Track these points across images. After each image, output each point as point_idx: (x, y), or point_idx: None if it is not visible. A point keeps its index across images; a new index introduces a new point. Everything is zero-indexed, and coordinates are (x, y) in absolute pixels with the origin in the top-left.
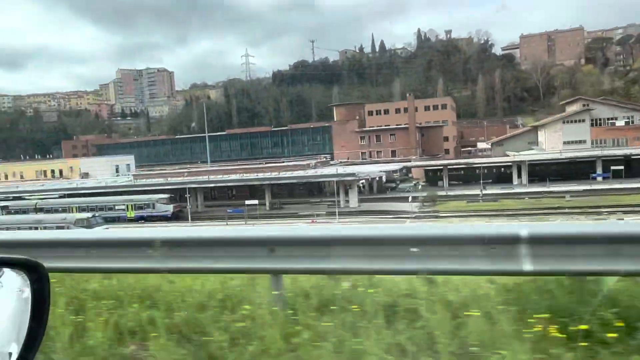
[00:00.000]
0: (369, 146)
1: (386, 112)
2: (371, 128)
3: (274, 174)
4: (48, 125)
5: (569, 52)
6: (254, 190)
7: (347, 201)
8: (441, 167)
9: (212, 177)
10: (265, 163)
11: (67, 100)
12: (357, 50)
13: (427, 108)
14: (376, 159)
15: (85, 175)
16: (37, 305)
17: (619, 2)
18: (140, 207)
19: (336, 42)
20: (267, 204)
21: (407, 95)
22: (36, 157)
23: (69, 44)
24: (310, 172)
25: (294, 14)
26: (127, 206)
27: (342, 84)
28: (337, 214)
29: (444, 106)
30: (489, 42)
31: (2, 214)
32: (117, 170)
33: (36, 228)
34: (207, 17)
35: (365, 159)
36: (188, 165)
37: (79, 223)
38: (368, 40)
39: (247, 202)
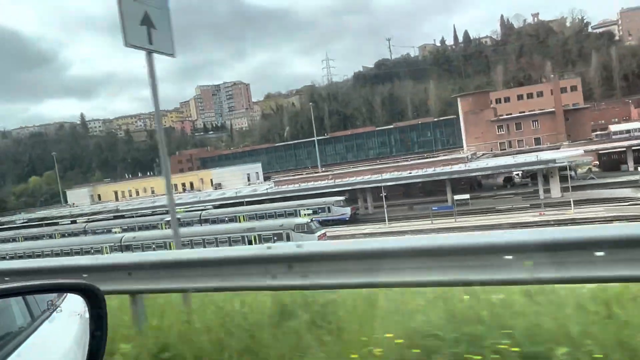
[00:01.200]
0: (508, 135)
1: (510, 99)
2: (510, 115)
3: (433, 170)
4: (140, 144)
5: None
6: (409, 189)
7: (548, 191)
8: (622, 150)
9: (383, 176)
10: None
11: (152, 120)
12: (439, 44)
13: (529, 95)
14: (521, 149)
15: (219, 186)
16: (96, 327)
17: None
18: (315, 212)
19: (396, 40)
20: (450, 199)
21: (552, 76)
22: (138, 174)
23: (134, 69)
24: (473, 165)
25: (348, 17)
26: (299, 211)
27: (430, 78)
28: (542, 205)
29: (573, 88)
30: (585, 21)
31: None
32: (248, 179)
33: (249, 240)
34: (261, 30)
35: (505, 149)
36: (306, 170)
37: (299, 229)
38: (435, 34)
39: (456, 197)
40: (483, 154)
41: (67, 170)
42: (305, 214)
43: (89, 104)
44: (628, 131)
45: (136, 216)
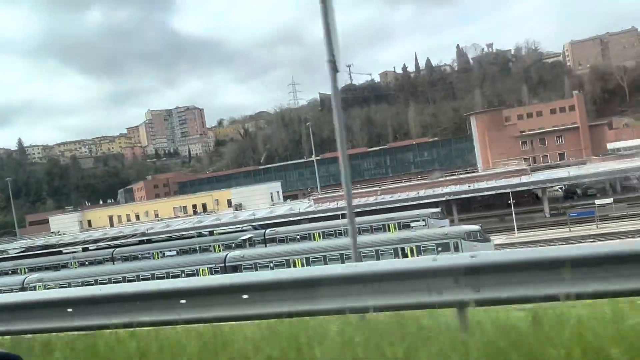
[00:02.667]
0: (532, 151)
1: (524, 116)
2: (534, 131)
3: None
4: (93, 170)
5: (624, 54)
6: (472, 202)
7: None
8: None
9: (468, 186)
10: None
11: (98, 145)
12: (401, 70)
13: (553, 111)
14: (547, 163)
15: (239, 207)
16: None
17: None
18: (407, 225)
19: (321, 74)
20: (546, 210)
21: (575, 93)
22: (100, 202)
23: (57, 96)
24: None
25: (281, 49)
26: (388, 225)
27: (401, 102)
28: None
29: (571, 108)
30: (538, 50)
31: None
32: (271, 198)
33: (404, 252)
34: (194, 59)
35: (529, 164)
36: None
37: (471, 237)
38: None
39: (598, 202)
40: (529, 167)
41: (10, 199)
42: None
43: (7, 132)
44: (630, 148)
45: (195, 236)
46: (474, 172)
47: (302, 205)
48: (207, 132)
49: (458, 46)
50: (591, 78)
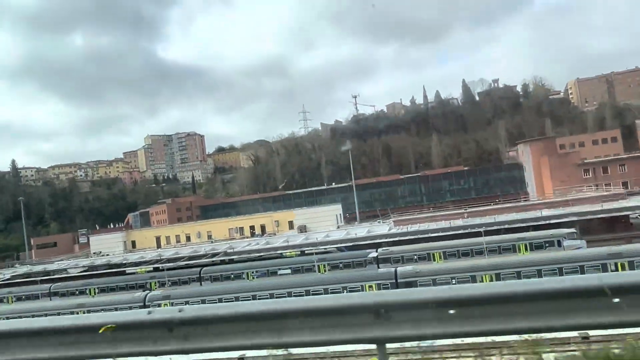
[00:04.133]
0: (594, 179)
1: (575, 145)
2: (597, 159)
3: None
4: (101, 194)
5: (629, 92)
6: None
7: None
8: None
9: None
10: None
11: (94, 169)
12: (409, 103)
13: (595, 142)
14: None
15: (303, 229)
16: None
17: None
18: (541, 246)
19: (312, 104)
20: None
21: (637, 122)
22: (110, 225)
23: (34, 120)
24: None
25: (265, 80)
26: (518, 246)
27: (415, 133)
28: None
29: (613, 139)
30: (545, 86)
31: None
32: (337, 220)
33: None
34: (177, 87)
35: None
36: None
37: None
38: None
39: None
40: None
41: (9, 222)
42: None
43: None
44: None
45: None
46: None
47: (380, 228)
48: (207, 159)
49: (464, 80)
50: (609, 114)
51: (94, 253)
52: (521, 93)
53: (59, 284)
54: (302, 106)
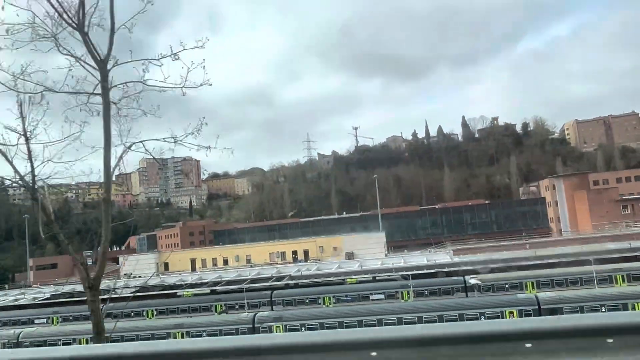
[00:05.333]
0: (633, 215)
1: (609, 181)
2: (635, 196)
3: None
4: (96, 215)
5: (626, 135)
6: None
7: None
8: None
9: None
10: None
11: (86, 191)
12: (411, 136)
13: (618, 180)
14: None
15: (351, 255)
16: None
17: None
18: (637, 277)
19: (291, 136)
20: None
21: None
22: (113, 247)
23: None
24: None
25: (250, 109)
26: (615, 277)
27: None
28: None
29: (637, 178)
30: (545, 127)
31: None
32: (386, 248)
33: None
34: (159, 113)
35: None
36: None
37: None
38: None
39: None
40: None
41: (0, 242)
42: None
43: None
44: None
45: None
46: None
47: (438, 257)
48: (202, 184)
49: (463, 117)
50: (617, 154)
51: (125, 274)
52: (521, 132)
53: (110, 304)
54: (305, 135)
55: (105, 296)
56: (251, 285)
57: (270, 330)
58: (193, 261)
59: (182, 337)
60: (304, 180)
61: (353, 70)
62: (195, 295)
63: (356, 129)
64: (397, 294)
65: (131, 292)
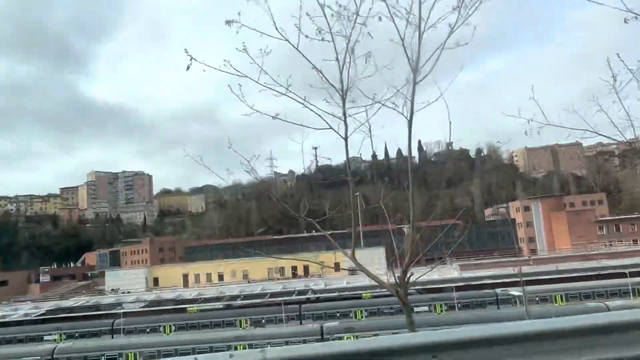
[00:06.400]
0: (608, 236)
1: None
2: (611, 217)
3: None
4: (49, 231)
5: (571, 163)
6: None
7: None
8: None
9: None
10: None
11: (29, 204)
12: (371, 158)
13: (584, 203)
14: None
15: (354, 271)
16: None
17: None
18: None
19: (235, 155)
20: None
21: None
22: (69, 264)
23: None
24: None
25: (193, 126)
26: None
27: (378, 187)
28: None
29: (600, 202)
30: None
31: None
32: (388, 264)
33: None
34: (96, 126)
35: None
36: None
37: None
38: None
39: None
40: None
41: None
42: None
43: None
44: None
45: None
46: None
47: (447, 272)
48: (153, 200)
49: (420, 141)
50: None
51: (112, 290)
52: (474, 157)
53: (121, 319)
54: (264, 153)
55: (117, 310)
56: (288, 298)
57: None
58: (185, 276)
59: (245, 349)
60: (268, 198)
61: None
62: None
63: (316, 148)
64: (431, 307)
65: (141, 307)
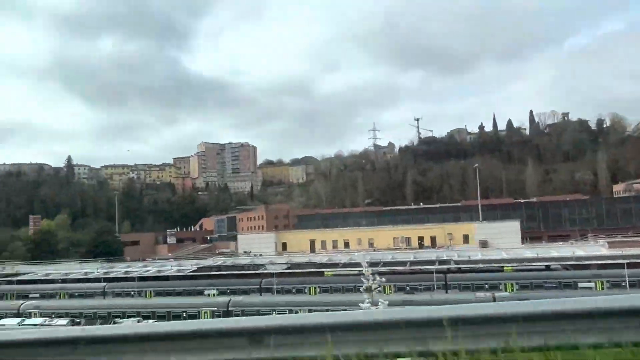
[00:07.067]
0: None
1: None
2: None
3: None
4: (166, 196)
5: None
6: None
7: None
8: None
9: None
10: None
11: (147, 173)
12: (477, 129)
13: None
14: None
15: (485, 244)
16: None
17: None
18: None
19: (326, 128)
20: None
21: None
22: (184, 229)
23: (53, 121)
24: None
25: (287, 98)
26: None
27: (491, 159)
28: None
29: None
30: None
31: None
32: (523, 238)
33: None
34: (196, 99)
35: None
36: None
37: None
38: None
39: None
40: None
41: (76, 218)
42: None
43: None
44: None
45: None
46: None
47: (592, 249)
48: (257, 171)
49: (531, 112)
50: None
51: (245, 252)
52: (595, 129)
53: (274, 279)
54: (371, 124)
55: (261, 271)
56: (430, 267)
57: None
58: (312, 242)
59: None
60: (373, 169)
61: (393, 61)
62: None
63: (418, 120)
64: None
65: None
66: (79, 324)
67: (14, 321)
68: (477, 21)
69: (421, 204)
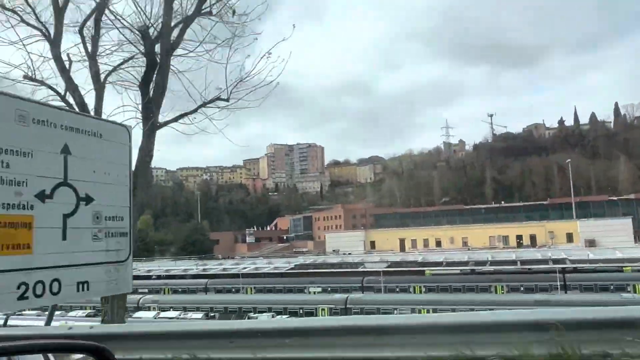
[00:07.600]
0: None
1: None
2: None
3: None
4: (240, 197)
5: None
6: None
7: None
8: None
9: None
10: None
11: (220, 174)
12: (557, 124)
13: None
14: None
15: (592, 243)
16: None
17: None
18: None
19: (388, 127)
20: None
21: None
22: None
23: None
24: None
25: (348, 99)
26: None
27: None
28: None
29: None
30: None
31: None
32: (636, 237)
33: None
34: (257, 101)
35: None
36: None
37: None
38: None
39: None
40: None
41: (158, 217)
42: None
43: None
44: None
45: None
46: None
47: None
48: (325, 171)
49: (617, 103)
50: None
51: (333, 250)
52: None
53: (381, 277)
54: (444, 121)
55: (361, 269)
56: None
57: None
58: (402, 240)
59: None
60: (448, 167)
61: (456, 57)
62: (450, 274)
63: (491, 116)
64: None
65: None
66: (213, 317)
67: (150, 314)
68: (547, 11)
69: (502, 202)
